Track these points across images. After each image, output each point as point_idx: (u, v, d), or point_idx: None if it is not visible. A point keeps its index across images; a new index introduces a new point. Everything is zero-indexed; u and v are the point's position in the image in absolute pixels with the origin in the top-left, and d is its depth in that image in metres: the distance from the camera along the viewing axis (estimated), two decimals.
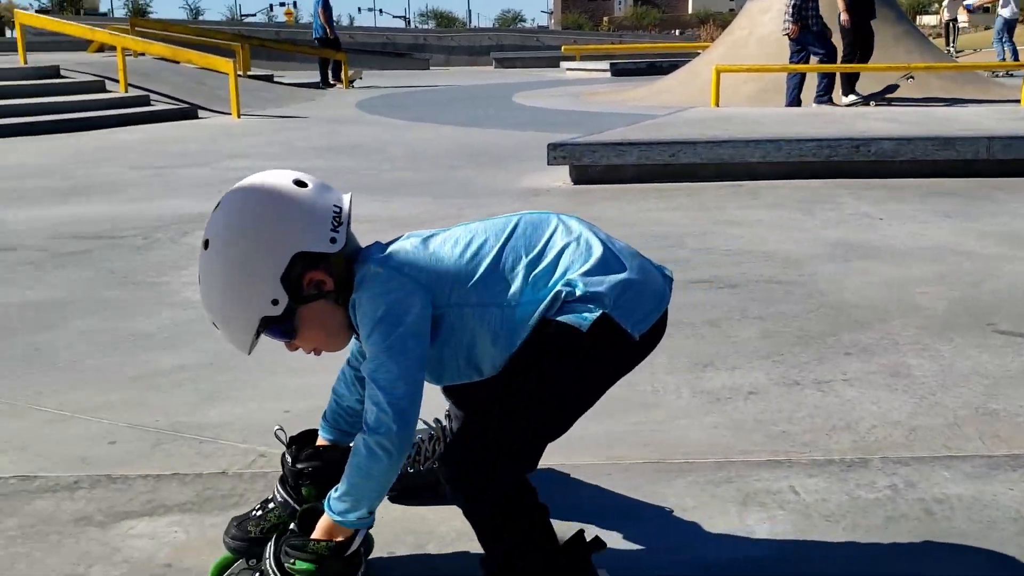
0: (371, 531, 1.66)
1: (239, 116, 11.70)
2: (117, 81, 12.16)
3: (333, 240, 1.57)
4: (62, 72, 12.43)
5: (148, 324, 3.44)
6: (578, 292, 1.55)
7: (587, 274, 1.57)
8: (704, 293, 3.71)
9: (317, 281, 1.58)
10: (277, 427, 1.84)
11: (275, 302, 1.55)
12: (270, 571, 1.59)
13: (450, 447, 1.62)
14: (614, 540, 1.92)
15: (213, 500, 2.14)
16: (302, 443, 1.84)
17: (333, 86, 17.70)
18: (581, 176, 6.45)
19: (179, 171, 7.35)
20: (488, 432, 1.54)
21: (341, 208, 1.60)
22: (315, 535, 1.58)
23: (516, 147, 8.56)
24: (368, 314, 1.54)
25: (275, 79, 16.61)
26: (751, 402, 2.65)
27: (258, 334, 1.60)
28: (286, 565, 1.57)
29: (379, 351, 1.52)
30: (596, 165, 6.44)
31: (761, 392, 2.72)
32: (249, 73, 15.93)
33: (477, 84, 17.94)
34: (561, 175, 6.53)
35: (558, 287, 1.56)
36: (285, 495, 1.81)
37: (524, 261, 1.58)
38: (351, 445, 1.59)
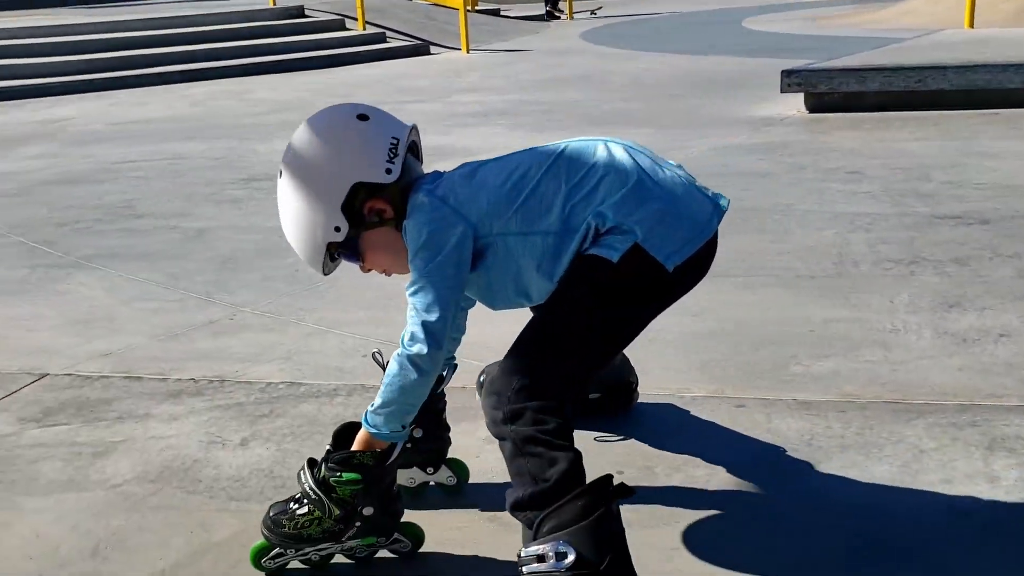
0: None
1: (468, 51, 11.99)
2: (356, 19, 12.77)
3: (389, 171, 1.64)
4: (306, 12, 13.20)
5: None
6: (608, 223, 1.55)
7: (620, 203, 1.55)
8: (952, 229, 3.49)
9: (378, 209, 1.67)
10: (375, 350, 1.90)
11: (337, 229, 1.65)
12: (309, 491, 1.65)
13: (489, 379, 1.60)
14: (852, 476, 1.90)
15: (453, 412, 2.29)
16: None
17: (558, 17, 17.71)
18: (817, 104, 6.16)
19: (411, 106, 7.67)
20: (519, 363, 1.55)
21: (399, 140, 1.67)
22: (355, 447, 1.64)
23: (746, 75, 8.27)
24: (412, 240, 1.61)
25: (501, 12, 16.82)
26: (1002, 345, 2.49)
27: (331, 258, 1.71)
28: (331, 479, 1.63)
29: (419, 276, 1.59)
30: (834, 92, 6.12)
31: (1014, 335, 2.55)
32: (477, 8, 16.24)
33: (704, 9, 17.35)
34: (796, 103, 6.26)
35: (589, 219, 1.56)
36: None
37: (563, 190, 1.58)
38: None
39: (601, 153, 1.63)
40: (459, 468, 1.96)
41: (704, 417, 2.21)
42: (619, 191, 1.56)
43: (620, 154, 1.63)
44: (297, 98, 8.47)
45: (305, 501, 1.66)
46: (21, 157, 6.13)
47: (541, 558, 1.41)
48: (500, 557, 1.69)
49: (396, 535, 1.71)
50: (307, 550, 1.68)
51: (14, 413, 2.40)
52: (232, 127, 6.95)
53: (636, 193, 1.57)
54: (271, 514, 1.69)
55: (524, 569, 1.44)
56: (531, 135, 5.91)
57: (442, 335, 1.57)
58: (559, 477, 1.46)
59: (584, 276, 1.56)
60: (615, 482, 1.47)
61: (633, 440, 2.11)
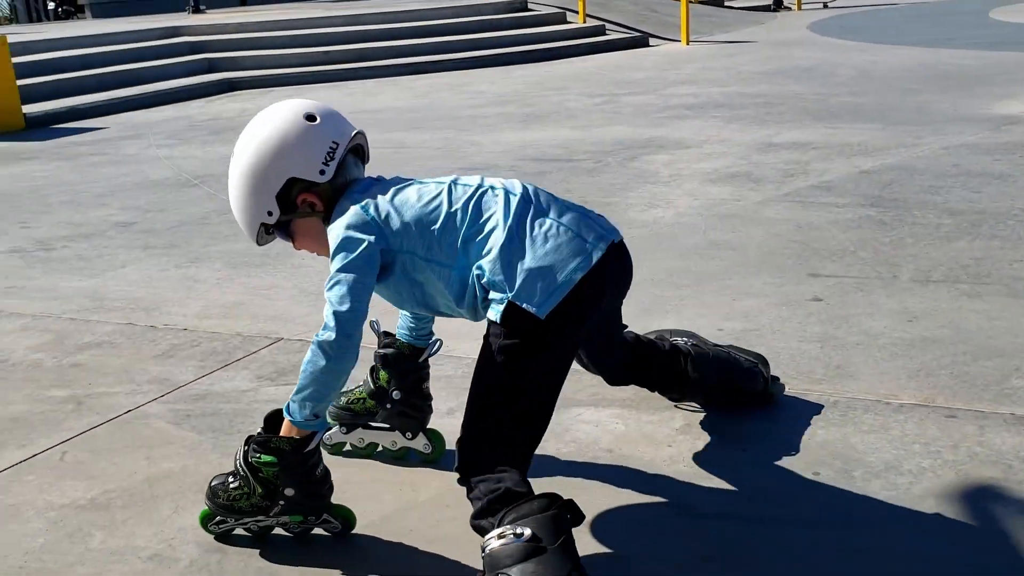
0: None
1: (688, 43, 11.86)
2: (576, 12, 12.94)
3: (322, 172, 1.82)
4: (529, 5, 13.51)
5: None
6: (484, 277, 1.69)
7: (495, 260, 1.68)
8: None
9: (310, 202, 1.84)
10: (374, 319, 1.96)
11: (270, 213, 1.86)
12: (239, 468, 1.77)
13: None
14: None
15: (649, 400, 2.34)
16: (388, 335, 2.10)
17: (789, 8, 17.13)
18: None
19: (627, 98, 7.71)
20: (465, 426, 1.72)
21: (339, 144, 1.84)
22: (282, 432, 1.75)
23: (989, 69, 7.70)
24: (333, 241, 1.75)
25: (724, 3, 16.48)
26: None
27: (267, 232, 1.90)
28: (251, 460, 1.75)
29: (334, 271, 1.72)
30: None
31: None
32: None
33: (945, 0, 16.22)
34: None
35: (473, 269, 1.71)
36: (368, 377, 2.10)
37: (461, 234, 1.72)
38: (413, 342, 2.00)
39: (496, 205, 1.75)
40: (435, 438, 2.10)
41: (911, 425, 2.13)
42: (497, 247, 1.69)
43: (511, 207, 1.74)
44: (514, 91, 8.71)
45: (237, 476, 1.79)
46: None
47: (501, 536, 1.53)
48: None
49: (326, 516, 1.81)
50: (245, 520, 1.81)
51: (253, 371, 2.67)
52: (453, 118, 7.27)
53: (507, 250, 1.69)
54: (212, 483, 1.82)
55: (484, 547, 1.55)
56: (749, 128, 5.80)
57: (351, 325, 1.68)
58: (510, 487, 1.61)
59: (489, 344, 1.69)
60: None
61: (834, 440, 2.08)
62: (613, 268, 1.77)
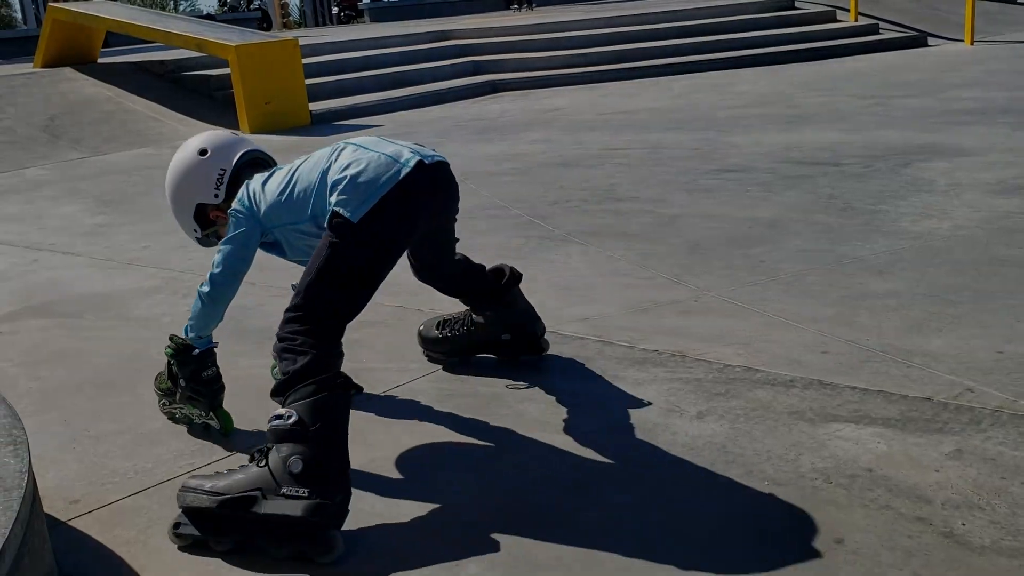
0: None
1: (972, 42, 10.96)
2: (847, 10, 12.31)
3: (216, 195, 2.35)
4: (796, 4, 13.02)
5: (862, 249, 3.57)
6: (327, 212, 2.09)
7: (330, 192, 2.10)
8: None
9: (217, 216, 2.39)
10: (294, 283, 2.24)
11: (195, 229, 2.43)
12: (166, 357, 2.41)
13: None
14: None
15: (916, 422, 2.20)
16: (173, 336, 2.49)
17: None
18: None
19: (901, 101, 7.25)
20: (288, 308, 2.06)
21: (226, 170, 2.34)
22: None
23: None
24: (228, 228, 2.26)
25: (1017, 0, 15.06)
26: None
27: (206, 239, 2.46)
28: (165, 352, 2.40)
29: (221, 245, 2.26)
30: None
31: None
32: None
33: None
34: None
35: (326, 208, 2.09)
36: (166, 366, 2.52)
37: (310, 189, 2.14)
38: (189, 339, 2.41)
39: (333, 156, 2.16)
40: (225, 417, 2.41)
41: None
42: (330, 184, 2.10)
43: (343, 153, 2.16)
44: (777, 92, 8.44)
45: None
46: (525, 141, 6.91)
47: (279, 416, 1.91)
48: None
49: (211, 415, 2.38)
50: (167, 404, 2.47)
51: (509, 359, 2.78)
52: (711, 119, 7.16)
53: (337, 182, 2.08)
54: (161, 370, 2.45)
55: (268, 424, 1.92)
56: None
57: (220, 284, 2.25)
58: (297, 369, 1.94)
59: (322, 243, 2.08)
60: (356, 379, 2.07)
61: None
62: (424, 182, 2.11)
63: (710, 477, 2.04)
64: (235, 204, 2.24)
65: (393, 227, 2.08)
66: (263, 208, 2.20)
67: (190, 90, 9.65)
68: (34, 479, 1.81)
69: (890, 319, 2.85)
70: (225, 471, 1.97)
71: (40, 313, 3.60)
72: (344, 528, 1.90)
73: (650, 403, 2.41)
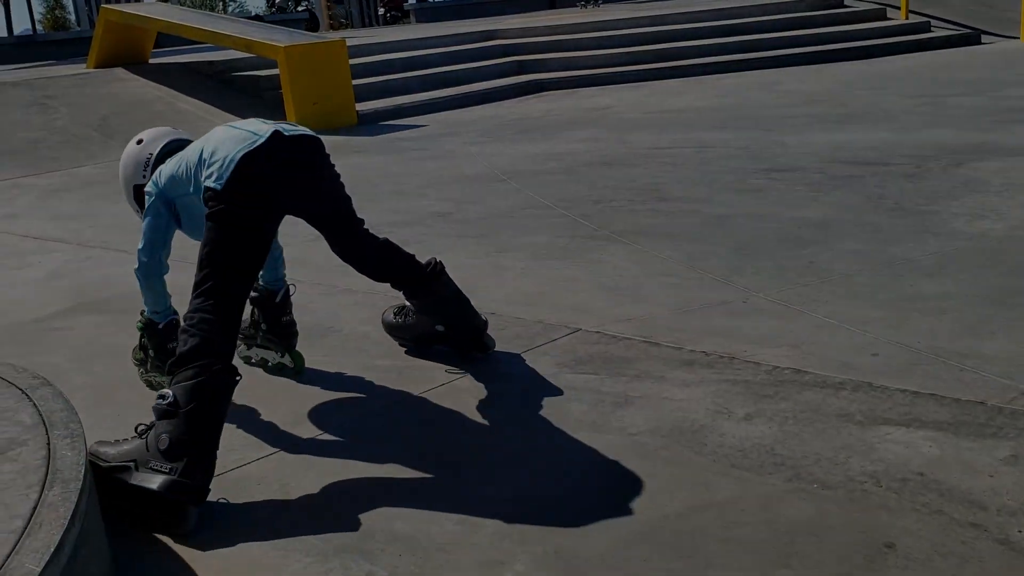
0: None
1: None
2: (898, 8, 12.12)
3: (144, 176, 2.62)
4: (845, 2, 12.84)
5: (913, 250, 3.51)
6: (203, 178, 2.32)
7: (204, 168, 2.33)
8: None
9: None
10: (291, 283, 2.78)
11: (137, 211, 2.66)
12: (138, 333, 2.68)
13: None
14: None
15: (969, 426, 2.17)
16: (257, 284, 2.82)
17: None
18: None
19: (953, 100, 7.11)
20: (197, 274, 2.25)
21: (152, 154, 2.62)
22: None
23: None
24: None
25: None
26: None
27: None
28: (137, 326, 2.67)
29: (143, 225, 2.53)
30: None
31: None
32: None
33: None
34: None
35: (203, 182, 2.32)
36: (249, 312, 2.82)
37: (196, 167, 2.37)
38: (268, 287, 2.80)
39: (210, 137, 2.39)
40: (297, 358, 2.80)
41: None
42: (206, 161, 2.33)
43: (219, 134, 2.39)
44: (826, 90, 8.33)
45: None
46: (569, 140, 6.90)
47: (161, 396, 2.11)
48: None
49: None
50: (143, 373, 2.70)
51: (553, 358, 2.78)
52: (758, 118, 7.09)
53: (209, 160, 2.32)
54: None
55: (154, 403, 2.12)
56: None
57: (143, 254, 2.52)
58: (184, 351, 2.14)
59: (206, 215, 2.29)
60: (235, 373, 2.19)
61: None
62: (280, 151, 2.32)
63: (758, 479, 2.02)
64: (150, 182, 2.55)
65: (256, 188, 2.29)
66: (163, 182, 2.49)
67: (239, 90, 9.79)
68: (90, 472, 1.85)
69: (942, 321, 2.80)
70: (126, 438, 2.17)
71: (93, 309, 3.67)
72: (392, 523, 1.92)
73: (697, 405, 2.39)
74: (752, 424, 2.27)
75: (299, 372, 2.79)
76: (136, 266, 2.55)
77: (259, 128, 2.35)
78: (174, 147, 2.62)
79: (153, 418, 2.11)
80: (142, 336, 2.66)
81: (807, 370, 2.55)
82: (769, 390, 2.45)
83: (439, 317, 2.79)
